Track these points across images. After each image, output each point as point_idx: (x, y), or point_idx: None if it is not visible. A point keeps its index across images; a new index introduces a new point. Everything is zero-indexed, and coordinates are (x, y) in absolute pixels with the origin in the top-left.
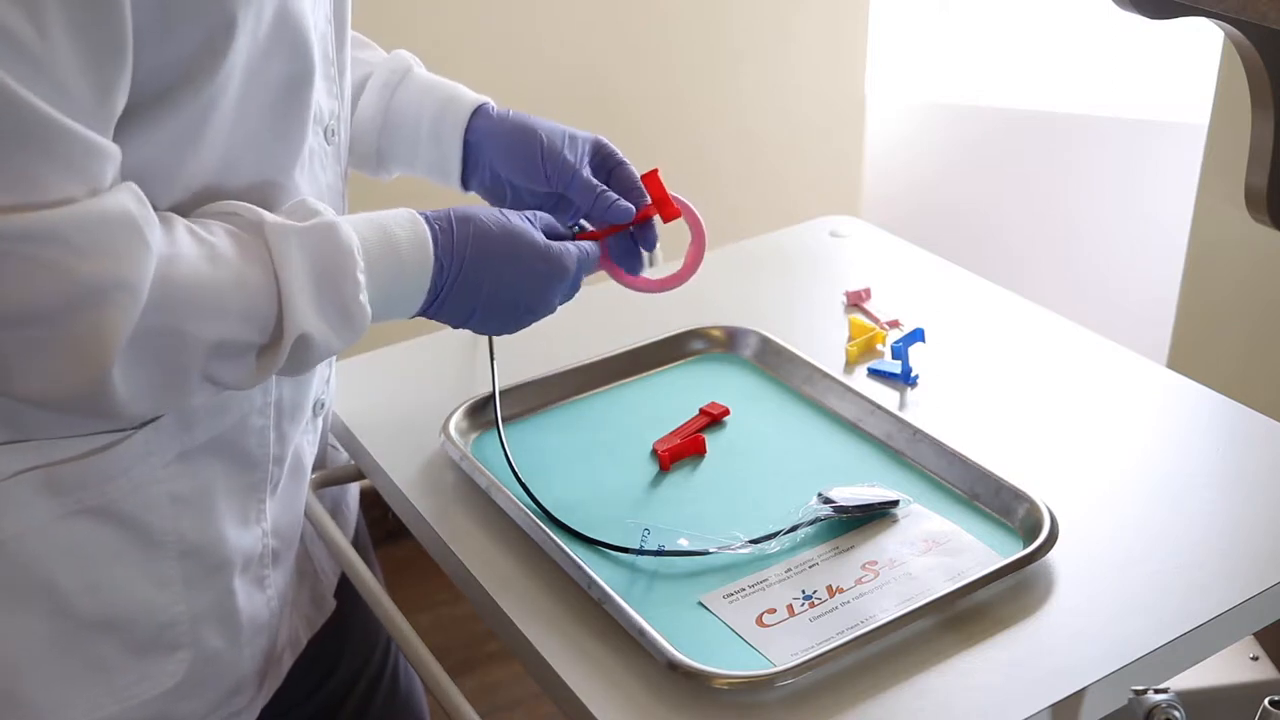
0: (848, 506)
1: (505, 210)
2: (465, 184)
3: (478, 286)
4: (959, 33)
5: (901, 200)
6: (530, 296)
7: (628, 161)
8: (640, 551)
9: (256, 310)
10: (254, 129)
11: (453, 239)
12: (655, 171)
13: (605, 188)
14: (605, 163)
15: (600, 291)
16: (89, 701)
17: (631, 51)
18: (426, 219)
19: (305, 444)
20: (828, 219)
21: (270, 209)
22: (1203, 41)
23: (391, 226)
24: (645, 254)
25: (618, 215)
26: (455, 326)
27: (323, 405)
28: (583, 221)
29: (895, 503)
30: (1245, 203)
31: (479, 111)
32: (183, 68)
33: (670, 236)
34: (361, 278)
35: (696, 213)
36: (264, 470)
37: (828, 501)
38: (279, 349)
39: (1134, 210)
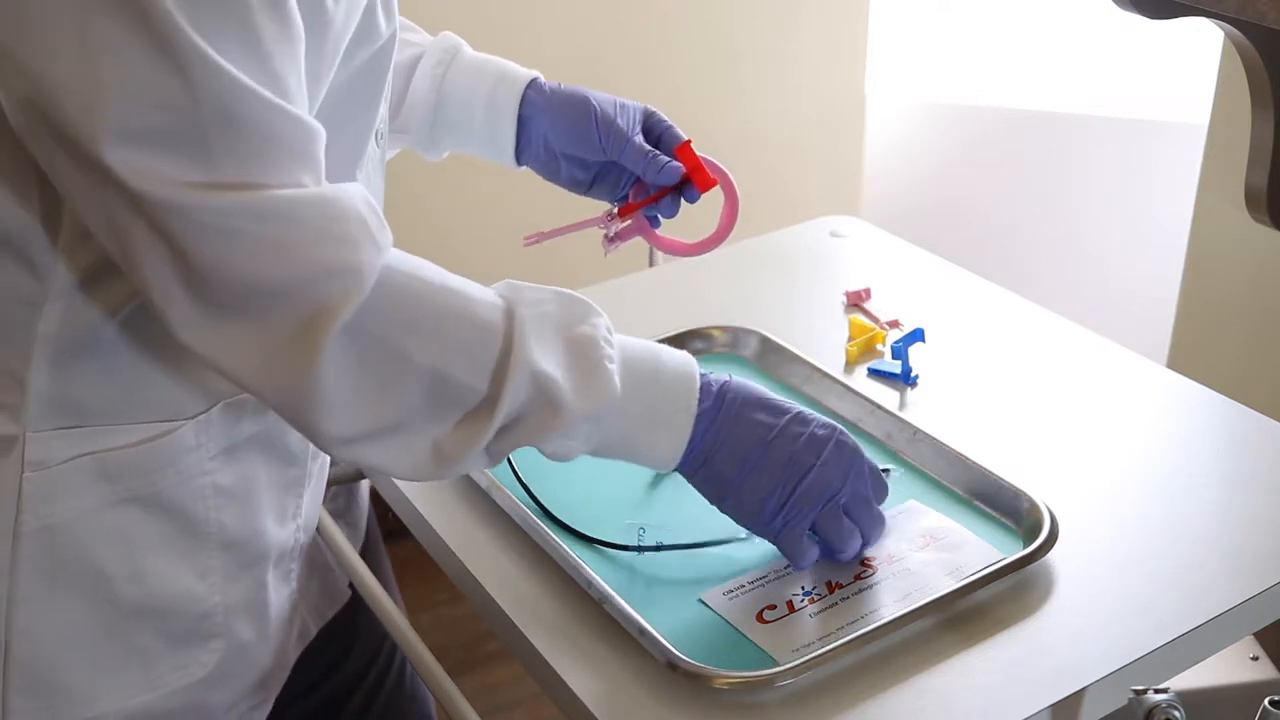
0: None
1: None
2: (518, 158)
3: (748, 438)
4: (959, 33)
5: (901, 200)
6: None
7: (675, 125)
8: (639, 548)
9: (479, 346)
10: (335, 128)
11: (723, 388)
12: (688, 143)
13: (656, 151)
14: (654, 129)
15: (601, 293)
16: (125, 688)
17: (631, 51)
18: (704, 375)
19: None
20: (828, 219)
21: None
22: (1203, 41)
23: (663, 356)
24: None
25: (670, 176)
26: (715, 498)
27: None
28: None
29: (887, 470)
30: (1245, 203)
31: (531, 86)
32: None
33: (702, 205)
34: (609, 348)
35: (730, 177)
36: (304, 466)
37: None
38: (495, 408)
39: (1134, 210)
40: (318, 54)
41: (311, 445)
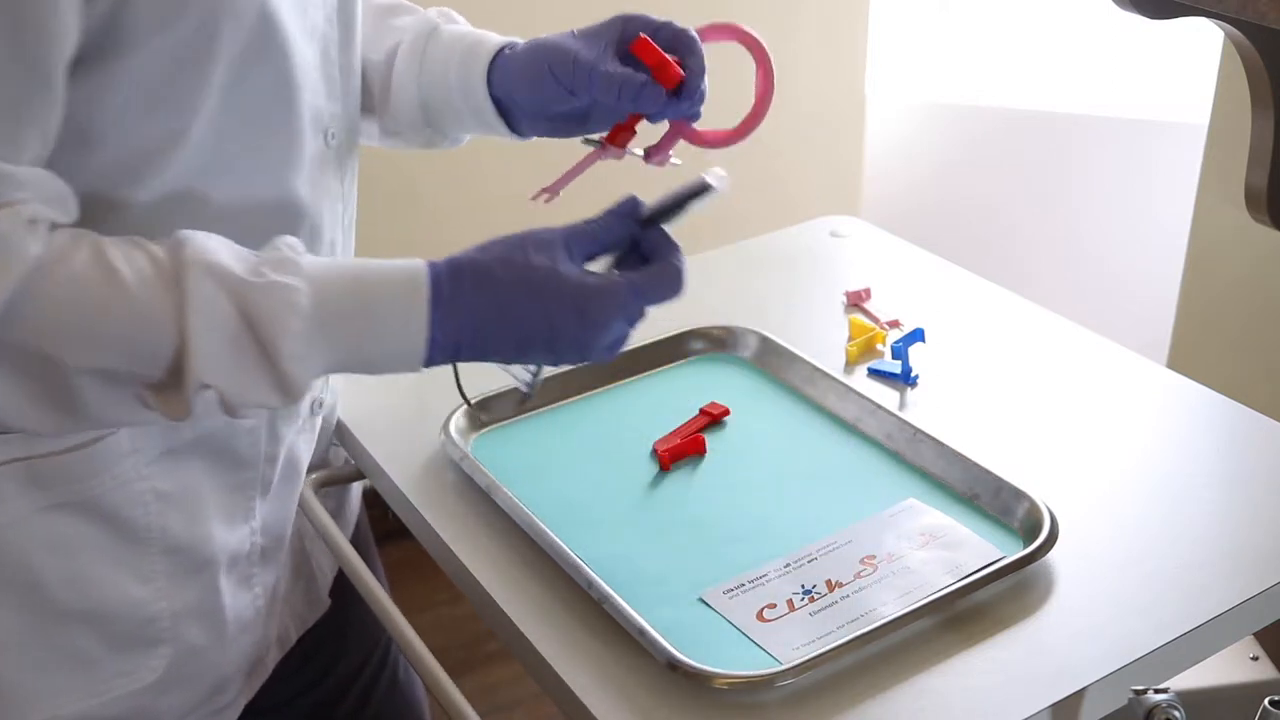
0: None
1: (533, 240)
2: (515, 129)
3: (499, 336)
4: (959, 33)
5: (901, 200)
6: (570, 340)
7: (671, 23)
8: (532, 384)
9: (145, 344)
10: (240, 134)
11: (457, 296)
12: (643, 39)
13: (629, 74)
14: (658, 37)
15: None
16: (67, 693)
17: None
18: (432, 277)
19: (301, 443)
20: (828, 219)
21: (273, 215)
22: (1203, 41)
23: (375, 286)
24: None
25: (648, 103)
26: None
27: (321, 404)
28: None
29: (706, 187)
30: (1245, 203)
31: (502, 52)
32: (167, 78)
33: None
34: (292, 341)
35: (752, 34)
36: (255, 469)
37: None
38: (182, 391)
39: (1134, 210)
40: (172, 53)
41: (264, 449)
